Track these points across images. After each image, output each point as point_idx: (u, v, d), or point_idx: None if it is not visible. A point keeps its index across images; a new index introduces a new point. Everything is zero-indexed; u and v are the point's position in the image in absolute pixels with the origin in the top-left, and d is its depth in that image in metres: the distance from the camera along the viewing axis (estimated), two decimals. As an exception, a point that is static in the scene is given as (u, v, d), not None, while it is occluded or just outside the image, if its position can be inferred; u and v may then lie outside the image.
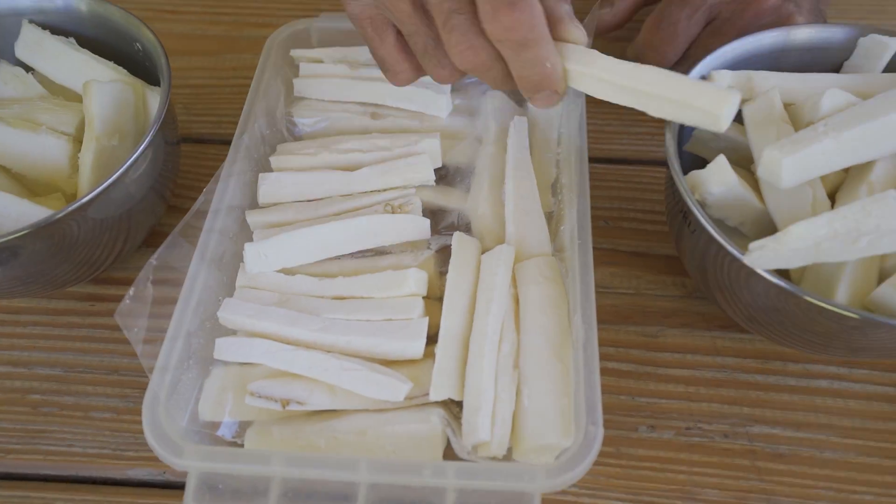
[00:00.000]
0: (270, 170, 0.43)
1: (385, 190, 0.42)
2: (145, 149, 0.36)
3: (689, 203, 0.33)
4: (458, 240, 0.38)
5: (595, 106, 0.50)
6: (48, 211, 0.35)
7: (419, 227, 0.40)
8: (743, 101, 0.36)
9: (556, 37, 0.35)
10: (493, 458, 0.31)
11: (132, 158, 0.35)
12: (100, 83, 0.39)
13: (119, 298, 0.41)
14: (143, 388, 0.38)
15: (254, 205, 0.42)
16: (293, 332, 0.35)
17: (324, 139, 0.44)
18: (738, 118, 0.37)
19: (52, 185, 0.40)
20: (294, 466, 0.30)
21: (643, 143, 0.49)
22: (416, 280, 0.36)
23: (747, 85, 0.37)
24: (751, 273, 0.31)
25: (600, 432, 0.30)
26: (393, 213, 0.40)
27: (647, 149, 0.49)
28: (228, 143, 0.46)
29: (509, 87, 0.36)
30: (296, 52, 0.47)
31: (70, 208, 0.33)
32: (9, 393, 0.38)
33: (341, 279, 0.37)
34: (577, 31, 0.35)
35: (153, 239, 0.44)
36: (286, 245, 0.37)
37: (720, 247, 0.31)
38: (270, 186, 0.41)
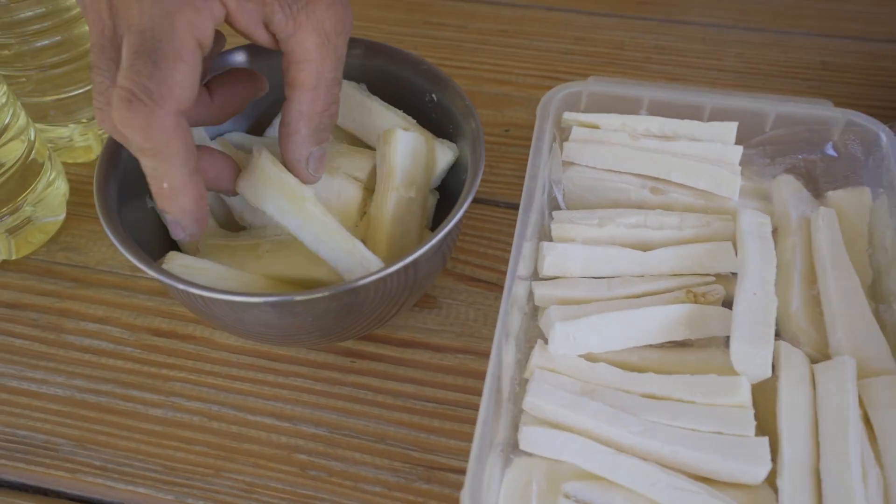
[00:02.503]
0: (547, 236, 0.40)
1: (679, 275, 0.38)
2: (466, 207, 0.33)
3: None
4: (785, 351, 0.33)
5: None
6: (378, 262, 0.33)
7: (724, 321, 0.35)
8: None
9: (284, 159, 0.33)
10: None
11: (457, 216, 0.33)
12: (404, 133, 0.37)
13: (377, 357, 0.39)
14: (412, 462, 0.35)
15: (534, 274, 0.39)
16: (609, 432, 0.31)
17: (605, 210, 0.41)
18: None
19: (338, 232, 0.38)
20: None
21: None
22: (746, 389, 0.32)
23: None
24: None
25: None
26: (695, 301, 0.36)
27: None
28: (487, 202, 0.44)
29: None
30: (570, 116, 0.45)
31: (405, 261, 0.31)
32: (276, 449, 0.35)
33: (653, 375, 0.33)
34: (299, 172, 0.33)
35: (423, 300, 0.41)
36: (597, 328, 0.34)
37: None
38: (557, 258, 0.38)
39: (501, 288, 0.42)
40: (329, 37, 0.30)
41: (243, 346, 0.40)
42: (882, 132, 0.41)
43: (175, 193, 0.29)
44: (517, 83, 0.57)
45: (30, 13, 0.41)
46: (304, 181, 0.34)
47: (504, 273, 0.43)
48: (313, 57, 0.30)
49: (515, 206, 0.47)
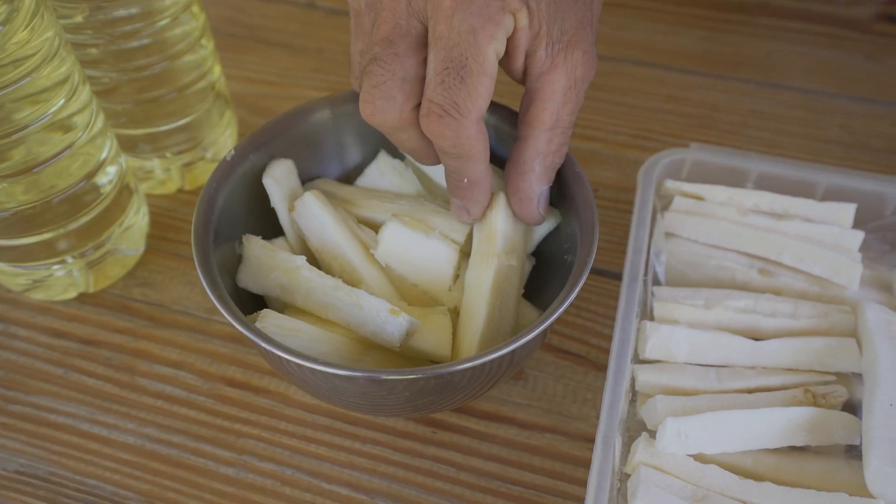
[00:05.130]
0: (645, 311, 0.38)
1: (794, 370, 0.35)
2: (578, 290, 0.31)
3: None
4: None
5: None
6: (386, 306, 0.32)
7: (848, 428, 0.32)
8: None
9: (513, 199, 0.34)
10: None
11: (569, 299, 0.30)
12: (506, 196, 0.35)
13: (459, 429, 0.37)
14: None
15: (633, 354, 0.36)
16: (731, 552, 0.28)
17: (711, 291, 0.38)
18: None
19: (430, 294, 0.36)
20: None
21: None
22: (885, 512, 0.29)
23: None
24: None
25: None
26: (815, 403, 0.33)
27: None
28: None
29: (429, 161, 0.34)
30: (672, 185, 0.43)
31: (527, 337, 0.29)
32: (352, 526, 0.33)
33: (771, 485, 0.30)
34: (529, 210, 0.34)
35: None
36: (711, 427, 0.31)
37: None
38: (661, 340, 0.36)
39: (590, 362, 0.41)
40: (577, 83, 0.31)
41: (319, 406, 0.38)
42: None
43: (472, 186, 0.33)
44: (606, 140, 0.55)
45: (135, 44, 0.40)
46: (531, 220, 0.35)
47: (593, 346, 0.41)
48: (558, 99, 0.31)
49: (605, 273, 0.45)
